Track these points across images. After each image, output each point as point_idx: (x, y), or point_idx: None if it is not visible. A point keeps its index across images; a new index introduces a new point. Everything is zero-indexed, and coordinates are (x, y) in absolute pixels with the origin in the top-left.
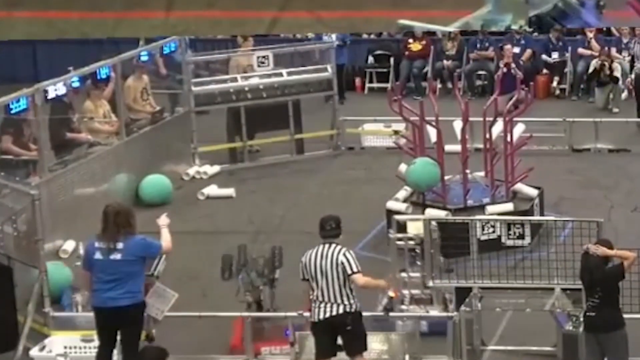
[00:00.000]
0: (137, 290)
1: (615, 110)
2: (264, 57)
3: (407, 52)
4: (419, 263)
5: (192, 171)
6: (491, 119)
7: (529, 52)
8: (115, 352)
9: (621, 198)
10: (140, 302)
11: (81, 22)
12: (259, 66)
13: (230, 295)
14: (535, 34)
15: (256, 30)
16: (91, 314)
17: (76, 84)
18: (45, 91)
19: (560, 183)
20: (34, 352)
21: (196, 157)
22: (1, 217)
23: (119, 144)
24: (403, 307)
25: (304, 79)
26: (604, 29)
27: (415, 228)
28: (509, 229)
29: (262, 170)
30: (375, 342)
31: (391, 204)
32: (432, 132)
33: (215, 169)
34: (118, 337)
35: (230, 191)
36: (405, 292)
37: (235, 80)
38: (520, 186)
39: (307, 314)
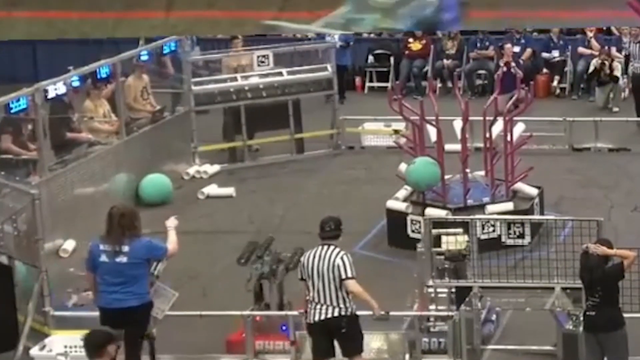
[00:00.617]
0: (143, 291)
1: (615, 109)
2: (264, 56)
3: (407, 52)
4: (447, 280)
5: (192, 170)
6: (491, 118)
7: (529, 51)
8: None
9: (621, 197)
10: (147, 302)
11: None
12: (258, 65)
13: (230, 295)
14: (536, 33)
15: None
16: (91, 313)
17: (76, 84)
18: (45, 91)
19: (560, 182)
20: (34, 351)
21: (196, 156)
22: (1, 216)
23: (119, 143)
24: (429, 324)
25: (304, 78)
26: (604, 28)
27: (450, 243)
28: (509, 229)
29: (262, 169)
30: (375, 342)
31: (391, 204)
32: (432, 132)
33: (215, 168)
34: None
35: (230, 191)
36: (432, 307)
37: (235, 79)
38: (520, 185)
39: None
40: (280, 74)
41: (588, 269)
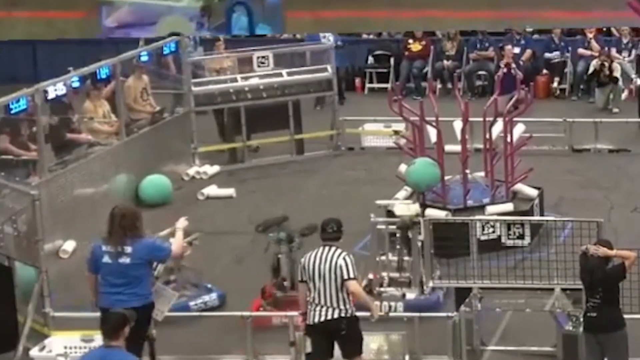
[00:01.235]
0: (146, 292)
1: (615, 110)
2: (263, 57)
3: (407, 53)
4: (398, 246)
5: (192, 171)
6: (491, 119)
7: (529, 52)
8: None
9: (621, 198)
10: (150, 303)
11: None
12: (258, 66)
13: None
14: (537, 35)
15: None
16: (91, 314)
17: (76, 84)
18: (45, 91)
19: (560, 183)
20: (34, 352)
21: (196, 157)
22: (1, 217)
23: (119, 144)
24: (381, 289)
25: (303, 79)
26: (604, 29)
27: (401, 210)
28: (508, 229)
29: (262, 170)
30: (375, 343)
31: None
32: (432, 133)
33: (215, 169)
34: None
35: (230, 191)
36: (384, 274)
37: (235, 80)
38: (520, 186)
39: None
40: (280, 74)
41: (588, 270)
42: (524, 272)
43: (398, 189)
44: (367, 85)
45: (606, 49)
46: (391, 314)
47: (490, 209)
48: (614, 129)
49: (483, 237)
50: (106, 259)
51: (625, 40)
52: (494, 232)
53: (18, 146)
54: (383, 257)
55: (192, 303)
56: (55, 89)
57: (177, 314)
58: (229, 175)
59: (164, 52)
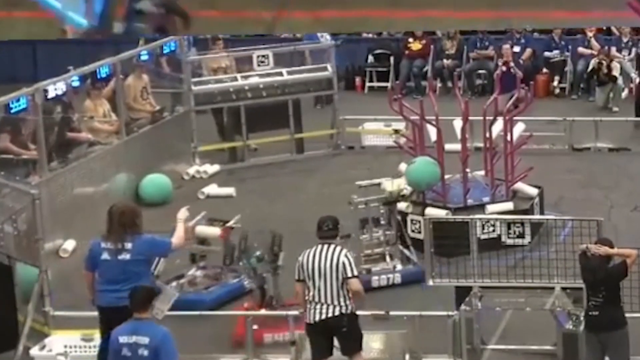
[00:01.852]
0: None
1: (615, 109)
2: (263, 56)
3: (407, 52)
4: (383, 222)
5: (192, 170)
6: (491, 118)
7: (529, 51)
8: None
9: (621, 197)
10: None
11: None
12: (258, 65)
13: None
14: (537, 34)
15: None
16: (91, 313)
17: (76, 84)
18: (45, 91)
19: (560, 182)
20: (34, 351)
21: (196, 156)
22: (1, 216)
23: (119, 143)
24: (370, 265)
25: (303, 78)
26: (604, 28)
27: (388, 186)
28: (509, 228)
29: (262, 169)
30: (375, 341)
31: None
32: (432, 131)
33: (215, 168)
34: None
35: (230, 190)
36: (369, 251)
37: (235, 79)
38: (520, 185)
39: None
40: (280, 73)
41: (590, 269)
42: (524, 271)
43: None
44: (367, 84)
45: (606, 48)
46: (391, 313)
47: (490, 207)
48: (614, 128)
49: (483, 236)
50: (105, 255)
51: (625, 39)
52: (494, 231)
53: (18, 145)
54: (365, 236)
55: (246, 282)
56: (55, 88)
57: (177, 313)
58: (229, 174)
59: (164, 52)
